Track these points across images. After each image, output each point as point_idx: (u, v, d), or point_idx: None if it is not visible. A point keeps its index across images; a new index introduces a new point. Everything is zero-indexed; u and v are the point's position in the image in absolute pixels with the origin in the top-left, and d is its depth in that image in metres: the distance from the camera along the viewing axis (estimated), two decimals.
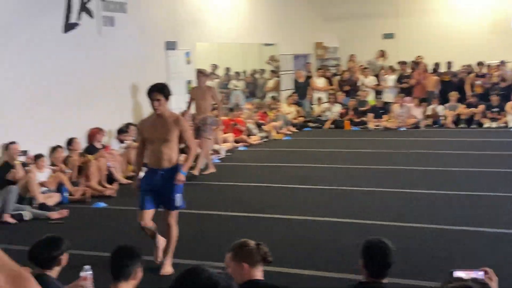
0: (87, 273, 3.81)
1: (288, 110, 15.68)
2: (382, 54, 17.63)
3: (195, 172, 9.51)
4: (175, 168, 5.27)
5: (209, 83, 14.74)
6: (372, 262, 3.19)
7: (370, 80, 16.41)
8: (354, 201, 7.80)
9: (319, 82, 16.69)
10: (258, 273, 3.19)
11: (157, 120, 5.25)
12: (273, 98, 15.78)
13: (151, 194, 5.27)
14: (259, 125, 13.87)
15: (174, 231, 5.34)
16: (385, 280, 3.19)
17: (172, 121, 5.23)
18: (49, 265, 3.58)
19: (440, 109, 15.11)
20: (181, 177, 5.27)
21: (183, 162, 5.46)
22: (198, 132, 9.75)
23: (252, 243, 3.22)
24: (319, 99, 16.21)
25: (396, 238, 5.89)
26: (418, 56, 16.43)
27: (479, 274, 2.51)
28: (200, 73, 10.00)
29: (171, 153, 5.24)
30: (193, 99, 10.00)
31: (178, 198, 5.30)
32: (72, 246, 5.75)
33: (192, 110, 10.27)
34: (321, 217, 7.04)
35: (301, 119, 15.82)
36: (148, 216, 5.29)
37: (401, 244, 5.71)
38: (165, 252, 5.35)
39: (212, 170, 9.99)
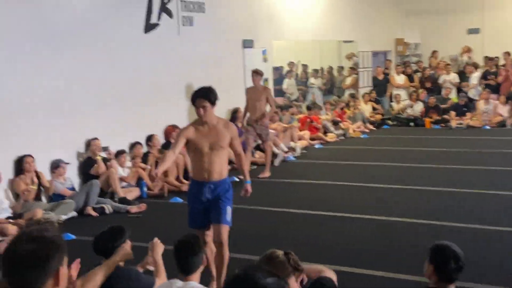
0: None
1: (365, 108, 15.43)
2: (467, 49, 17.00)
3: (266, 174, 9.55)
4: (225, 181, 4.78)
5: (288, 80, 14.86)
6: (443, 267, 3.07)
7: (453, 77, 15.85)
8: (431, 202, 7.56)
9: (399, 79, 16.31)
10: (294, 284, 2.99)
11: (205, 128, 4.68)
12: (351, 95, 15.58)
13: (201, 212, 4.74)
14: (336, 123, 13.74)
15: (227, 252, 4.74)
16: (452, 286, 3.08)
17: (222, 127, 4.73)
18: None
19: None
20: (249, 187, 4.96)
21: (243, 171, 5.04)
22: (260, 136, 9.65)
23: (280, 253, 3.01)
24: (396, 96, 15.82)
25: (471, 241, 5.73)
26: (506, 52, 15.70)
27: None
28: (255, 73, 9.61)
29: (222, 164, 4.74)
30: (248, 100, 9.72)
31: (229, 211, 4.75)
32: (148, 240, 6.01)
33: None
34: (395, 217, 6.88)
35: (379, 116, 15.52)
36: (206, 234, 4.78)
37: (476, 247, 5.53)
38: (218, 277, 4.74)
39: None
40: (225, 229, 4.71)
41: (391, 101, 16.16)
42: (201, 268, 3.48)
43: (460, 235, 5.93)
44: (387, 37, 17.83)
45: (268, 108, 9.84)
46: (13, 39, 7.54)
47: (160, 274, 3.75)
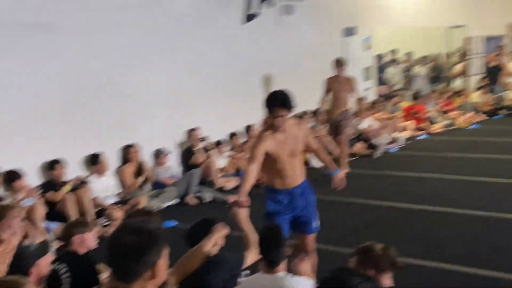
0: None
1: (478, 98, 14.59)
2: None
3: (344, 170, 8.68)
4: (307, 182, 4.56)
5: (391, 69, 14.36)
6: None
7: None
8: None
9: None
10: (387, 281, 2.88)
11: (281, 135, 4.31)
12: (453, 85, 14.77)
13: (285, 219, 4.41)
14: (443, 112, 13.12)
15: (315, 257, 4.62)
16: None
17: (296, 129, 4.42)
18: None
19: None
20: (341, 175, 4.67)
21: (326, 163, 4.74)
22: (337, 128, 9.04)
23: (378, 247, 2.90)
24: (510, 84, 14.80)
25: None
26: None
27: None
28: (338, 62, 9.00)
29: (302, 166, 4.51)
30: (330, 90, 9.05)
31: (316, 217, 4.60)
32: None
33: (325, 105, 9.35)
34: (506, 213, 6.45)
35: (491, 106, 14.61)
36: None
37: None
38: None
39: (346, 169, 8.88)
40: (313, 238, 4.60)
41: (504, 90, 15.17)
42: (286, 259, 3.43)
43: None
44: (501, 21, 16.72)
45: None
46: (133, 32, 7.91)
47: (250, 245, 3.66)
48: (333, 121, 9.09)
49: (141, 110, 8.04)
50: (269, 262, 3.37)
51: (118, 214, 6.90)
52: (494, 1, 15.98)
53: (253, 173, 4.22)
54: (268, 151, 4.27)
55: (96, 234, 4.50)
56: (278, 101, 4.20)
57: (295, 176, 4.42)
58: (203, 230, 3.71)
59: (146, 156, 8.05)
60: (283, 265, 3.42)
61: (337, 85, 8.97)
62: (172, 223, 6.77)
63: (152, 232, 1.99)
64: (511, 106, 14.47)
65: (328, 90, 9.09)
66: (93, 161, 7.32)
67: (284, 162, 4.34)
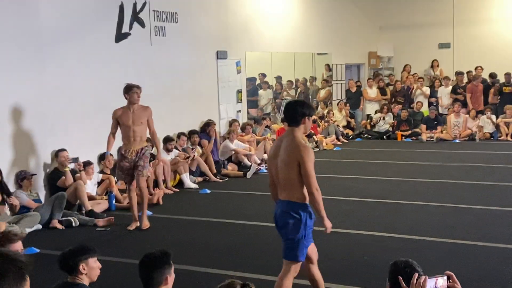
0: None
1: (340, 116, 15.52)
2: (437, 64, 17.30)
3: (133, 226, 7.33)
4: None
5: (262, 92, 14.77)
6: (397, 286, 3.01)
7: (424, 91, 16.05)
8: (401, 216, 7.58)
9: (371, 92, 16.46)
10: None
11: None
12: (318, 109, 15.63)
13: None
14: (309, 135, 13.73)
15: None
16: None
17: None
18: (76, 272, 3.63)
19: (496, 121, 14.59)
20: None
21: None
22: (134, 169, 7.23)
23: (238, 285, 2.76)
24: (377, 110, 15.95)
25: (442, 254, 5.74)
26: (478, 67, 15.94)
27: (444, 279, 2.58)
28: (135, 88, 7.20)
29: None
30: (120, 124, 7.29)
31: None
32: (113, 254, 5.89)
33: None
34: (364, 231, 6.87)
35: (352, 129, 15.62)
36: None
37: (449, 261, 5.53)
38: None
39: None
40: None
41: (364, 114, 16.31)
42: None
43: (431, 249, 5.94)
44: (361, 50, 18.02)
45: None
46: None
47: None
48: (125, 162, 7.28)
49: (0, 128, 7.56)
50: (143, 284, 3.32)
51: None
52: (354, 32, 17.19)
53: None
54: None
55: None
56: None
57: None
58: (74, 256, 3.63)
59: (8, 178, 7.56)
60: None
61: (132, 117, 7.23)
62: (34, 250, 6.36)
63: (10, 258, 1.83)
64: (370, 130, 15.54)
65: (116, 124, 7.35)
66: None
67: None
